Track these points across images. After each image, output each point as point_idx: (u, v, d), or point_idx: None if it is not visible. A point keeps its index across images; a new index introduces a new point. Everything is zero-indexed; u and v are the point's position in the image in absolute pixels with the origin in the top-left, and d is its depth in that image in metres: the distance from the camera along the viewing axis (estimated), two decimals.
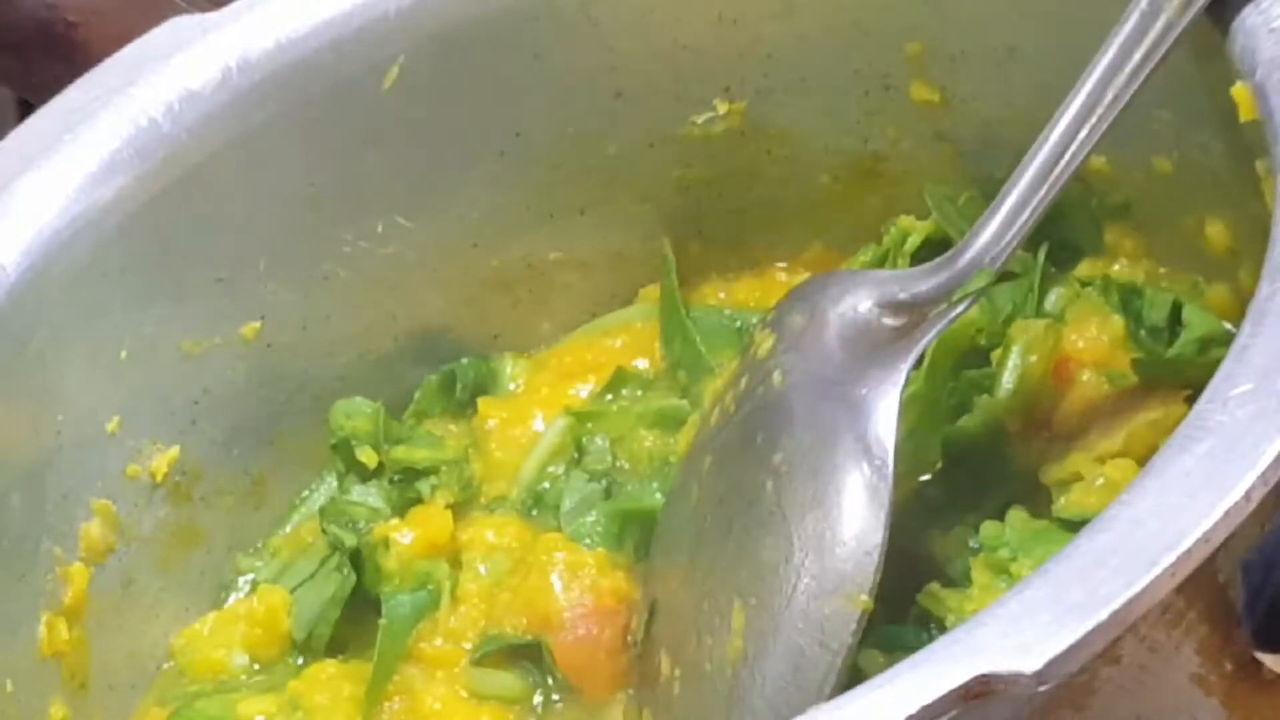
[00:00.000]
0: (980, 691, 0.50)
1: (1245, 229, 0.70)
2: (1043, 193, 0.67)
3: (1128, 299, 0.74)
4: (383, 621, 0.75)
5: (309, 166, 0.80)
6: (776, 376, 0.70)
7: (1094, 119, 0.67)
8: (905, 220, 0.80)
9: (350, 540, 0.77)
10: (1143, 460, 0.67)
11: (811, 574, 0.65)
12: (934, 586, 0.69)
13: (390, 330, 0.83)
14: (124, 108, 0.76)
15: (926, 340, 0.68)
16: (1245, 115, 0.64)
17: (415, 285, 0.83)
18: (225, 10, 0.79)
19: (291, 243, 0.80)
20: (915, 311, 0.68)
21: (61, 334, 0.75)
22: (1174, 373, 0.70)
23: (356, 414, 0.81)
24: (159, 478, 0.78)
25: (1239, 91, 0.64)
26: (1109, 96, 0.67)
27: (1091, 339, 0.72)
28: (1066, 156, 0.67)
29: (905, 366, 0.67)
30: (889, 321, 0.69)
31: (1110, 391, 0.71)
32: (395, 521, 0.78)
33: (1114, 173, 0.75)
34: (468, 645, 0.74)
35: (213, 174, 0.77)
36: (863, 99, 0.80)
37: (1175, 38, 0.66)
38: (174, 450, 0.78)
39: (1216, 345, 0.70)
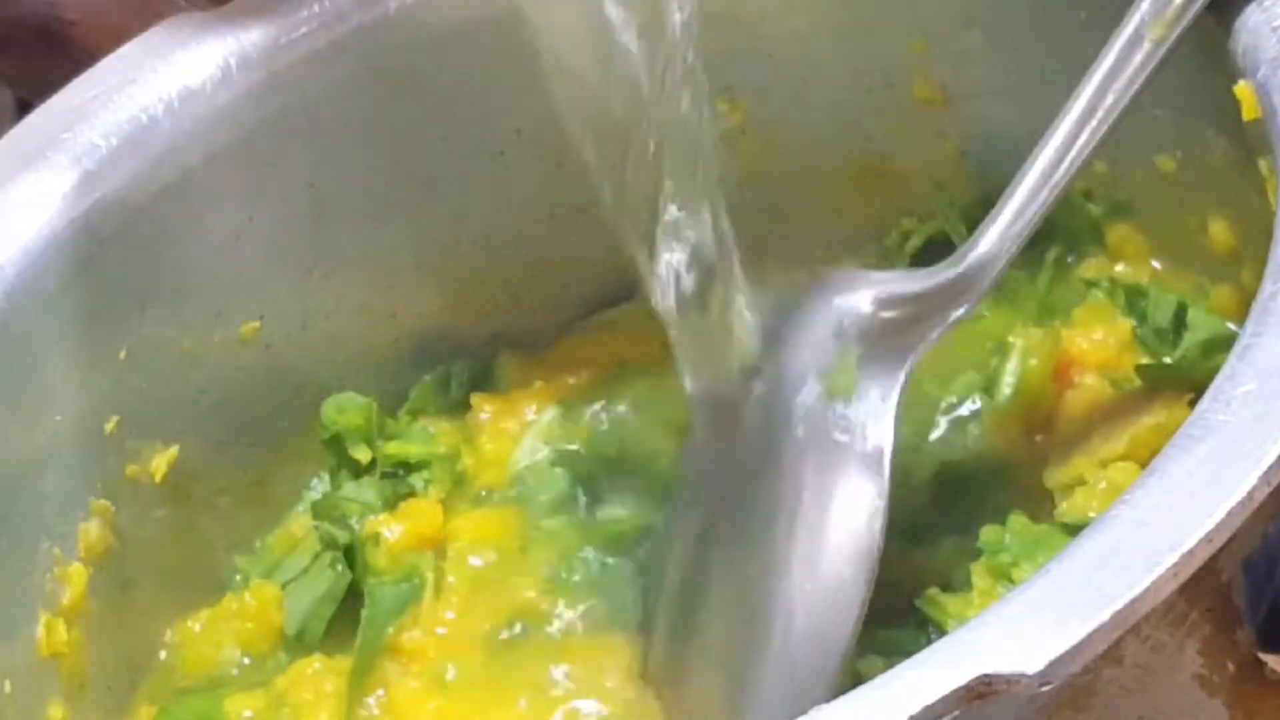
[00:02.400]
0: (982, 692, 0.49)
1: (1248, 228, 0.70)
2: (1044, 196, 0.67)
3: (1133, 300, 0.74)
4: (365, 612, 0.75)
5: (309, 166, 0.79)
6: (776, 377, 0.70)
7: (1094, 122, 0.67)
8: (906, 222, 0.80)
9: (343, 537, 0.77)
10: (1145, 464, 0.66)
11: (809, 578, 0.65)
12: (933, 591, 0.68)
13: (390, 330, 0.83)
14: (123, 106, 0.76)
15: (925, 344, 0.67)
16: (1248, 114, 0.64)
17: (415, 285, 0.83)
18: (225, 10, 0.79)
19: (291, 243, 0.80)
20: (915, 314, 0.68)
21: (61, 334, 0.74)
22: (1178, 376, 0.70)
23: (348, 408, 0.81)
24: (159, 478, 0.78)
25: (1241, 90, 0.64)
26: (1109, 100, 0.66)
27: (1096, 341, 0.72)
28: (1068, 160, 0.67)
29: (903, 370, 0.67)
30: (889, 324, 0.68)
31: (1113, 395, 0.71)
32: (384, 516, 0.78)
33: (1116, 173, 0.75)
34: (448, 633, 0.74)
35: (212, 173, 0.77)
36: (864, 98, 0.80)
37: (1176, 38, 0.66)
38: (174, 450, 0.78)
39: (1221, 348, 0.70)
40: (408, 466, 0.80)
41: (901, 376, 0.67)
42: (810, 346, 0.70)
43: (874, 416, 0.66)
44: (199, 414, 0.79)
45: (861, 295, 0.69)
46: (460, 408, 0.83)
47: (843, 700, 0.51)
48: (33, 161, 0.75)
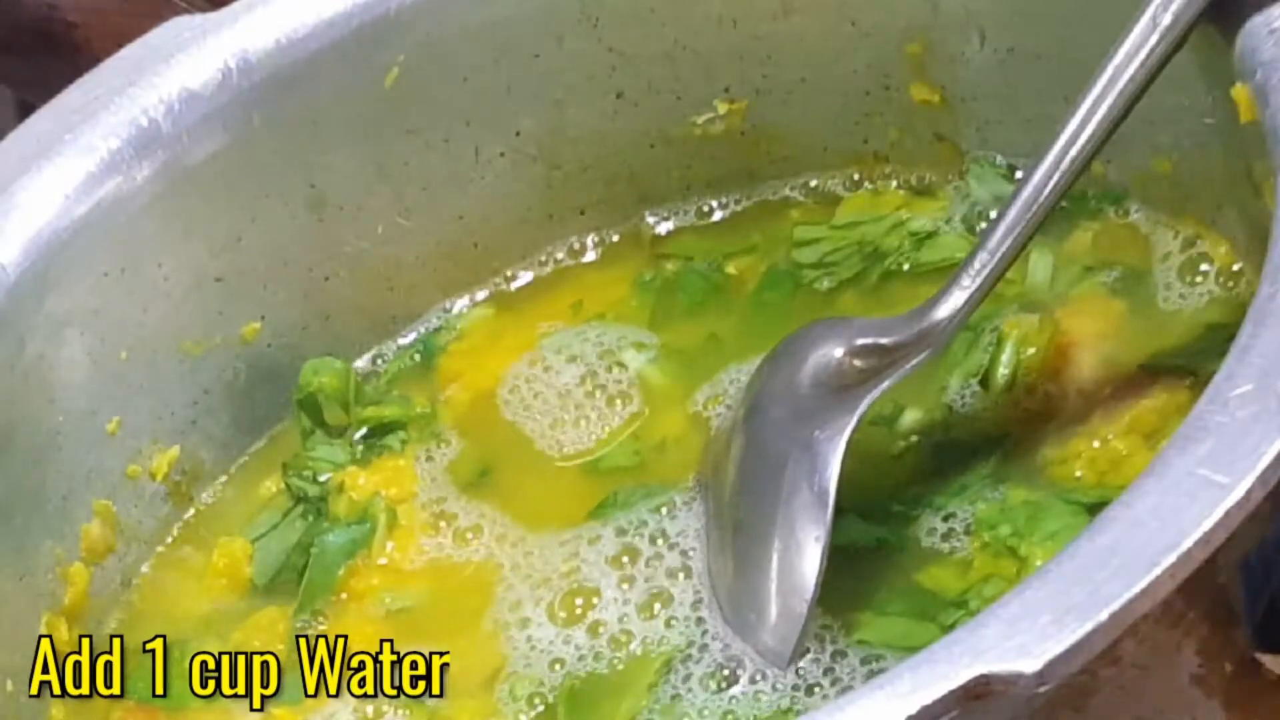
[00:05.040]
0: (981, 692, 0.50)
1: (1245, 230, 0.71)
2: (1007, 247, 0.68)
3: (1131, 282, 0.74)
4: (314, 550, 0.76)
5: (309, 166, 0.80)
6: (754, 413, 0.72)
7: (1049, 188, 0.67)
8: (893, 194, 0.81)
9: (313, 490, 0.78)
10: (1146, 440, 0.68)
11: (755, 610, 0.68)
12: (930, 566, 0.69)
13: (390, 331, 0.84)
14: (124, 108, 0.76)
15: (881, 389, 0.68)
16: (1245, 116, 0.64)
17: (415, 285, 0.83)
18: (225, 10, 0.79)
19: (291, 243, 0.80)
20: (884, 356, 0.69)
21: (61, 334, 0.75)
22: (1178, 359, 0.70)
23: (325, 371, 0.81)
24: (159, 478, 0.78)
25: (1239, 92, 0.65)
26: (1065, 163, 0.67)
27: (1094, 322, 0.73)
28: (1028, 218, 0.68)
29: (858, 411, 0.68)
30: (859, 364, 0.69)
31: (1112, 376, 0.71)
32: (354, 469, 0.78)
33: (1113, 174, 0.75)
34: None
35: (213, 174, 0.77)
36: (862, 99, 0.81)
37: (1163, 55, 0.66)
38: (174, 450, 0.78)
39: (1221, 331, 0.70)
40: (384, 427, 0.80)
41: (854, 419, 0.68)
42: (787, 388, 0.71)
43: (824, 456, 0.68)
44: (199, 414, 0.80)
45: (839, 339, 0.70)
46: (431, 361, 0.83)
47: (842, 700, 0.51)
48: (34, 162, 0.75)
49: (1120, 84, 0.66)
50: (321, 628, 0.74)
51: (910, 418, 0.73)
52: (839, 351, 0.70)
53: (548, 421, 0.79)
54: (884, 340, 0.69)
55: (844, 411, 0.68)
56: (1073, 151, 0.67)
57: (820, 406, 0.69)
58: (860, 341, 0.69)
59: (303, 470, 0.79)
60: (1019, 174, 0.75)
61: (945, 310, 0.68)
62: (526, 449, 0.78)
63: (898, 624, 0.67)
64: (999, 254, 0.68)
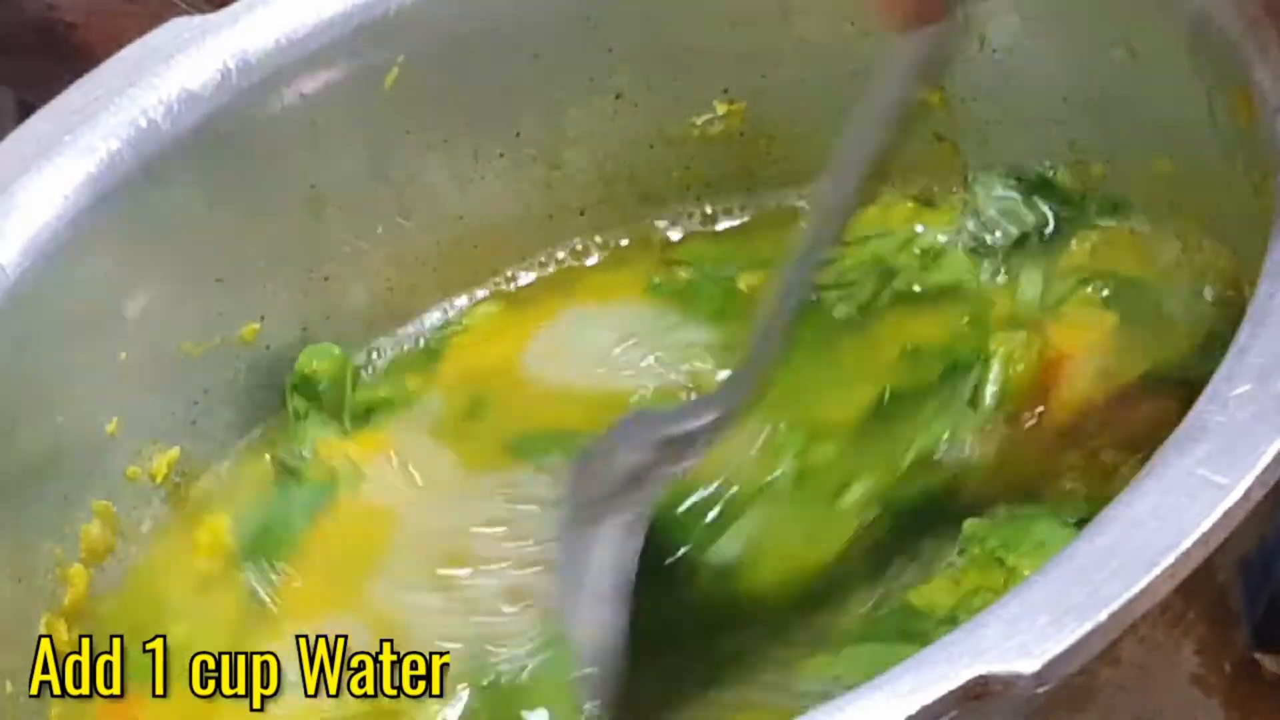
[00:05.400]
0: (980, 693, 0.50)
1: (1245, 230, 0.70)
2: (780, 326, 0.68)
3: (1127, 291, 0.74)
4: (276, 508, 0.77)
5: (309, 166, 0.80)
6: (563, 504, 0.73)
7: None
8: (902, 206, 0.81)
9: (298, 464, 0.78)
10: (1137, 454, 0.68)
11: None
12: (920, 586, 0.69)
13: (390, 331, 0.84)
14: (124, 108, 0.76)
15: (670, 481, 0.69)
16: (1245, 116, 0.64)
17: (415, 285, 0.83)
18: (225, 11, 0.79)
19: (291, 243, 0.80)
20: (683, 445, 0.69)
21: (61, 334, 0.75)
22: (1175, 369, 0.70)
23: (322, 356, 0.81)
24: (159, 478, 0.78)
25: (1239, 93, 0.65)
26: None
27: (1086, 334, 0.73)
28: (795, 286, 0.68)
29: (648, 507, 0.69)
30: (656, 456, 0.69)
31: (1105, 388, 0.71)
32: (335, 440, 0.79)
33: (1113, 174, 0.75)
34: None
35: (212, 174, 0.78)
36: (862, 100, 0.80)
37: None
38: (174, 450, 0.78)
39: (1220, 339, 0.70)
40: (377, 407, 0.80)
41: (644, 510, 0.69)
42: (592, 480, 0.71)
43: (612, 549, 0.68)
44: (199, 414, 0.80)
45: (645, 432, 0.70)
46: (433, 356, 0.83)
47: (841, 700, 0.51)
48: (34, 163, 0.75)
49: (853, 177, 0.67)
50: (276, 583, 0.75)
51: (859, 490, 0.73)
52: (648, 440, 0.70)
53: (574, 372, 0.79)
54: (680, 431, 0.69)
55: (635, 502, 0.69)
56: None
57: (617, 498, 0.69)
58: (663, 435, 0.69)
59: (289, 446, 0.79)
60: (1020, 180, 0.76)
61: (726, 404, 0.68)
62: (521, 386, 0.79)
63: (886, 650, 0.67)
64: (762, 360, 0.68)
